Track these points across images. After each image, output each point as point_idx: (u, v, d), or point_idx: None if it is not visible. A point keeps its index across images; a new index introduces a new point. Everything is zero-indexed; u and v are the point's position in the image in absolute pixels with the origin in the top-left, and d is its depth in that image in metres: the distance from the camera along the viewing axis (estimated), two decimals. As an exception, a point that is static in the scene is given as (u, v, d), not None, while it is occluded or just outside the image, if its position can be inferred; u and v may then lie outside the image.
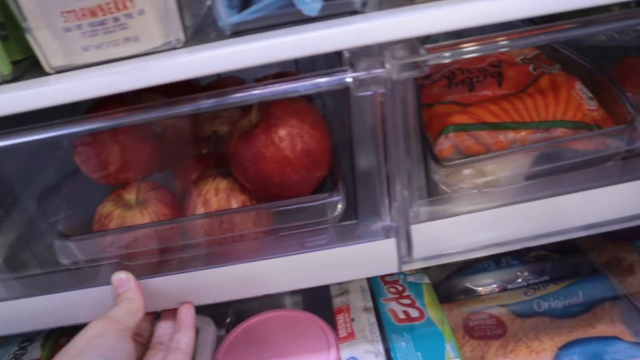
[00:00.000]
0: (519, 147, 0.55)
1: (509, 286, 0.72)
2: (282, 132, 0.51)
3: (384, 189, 0.51)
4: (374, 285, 0.69)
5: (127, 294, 0.51)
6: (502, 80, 0.59)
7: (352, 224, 0.55)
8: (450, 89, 0.59)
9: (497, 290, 0.72)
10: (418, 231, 0.54)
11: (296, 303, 0.77)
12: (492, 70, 0.60)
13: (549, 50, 0.67)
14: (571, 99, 0.57)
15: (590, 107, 0.57)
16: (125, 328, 0.48)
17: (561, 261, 0.74)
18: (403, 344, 0.61)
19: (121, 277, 0.52)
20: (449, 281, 0.74)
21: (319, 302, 0.71)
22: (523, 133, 0.55)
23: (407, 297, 0.66)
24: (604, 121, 0.58)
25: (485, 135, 0.54)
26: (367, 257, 0.54)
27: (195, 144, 0.68)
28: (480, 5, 0.43)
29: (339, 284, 0.69)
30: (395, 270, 0.55)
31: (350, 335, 0.61)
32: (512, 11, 0.44)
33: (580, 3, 0.44)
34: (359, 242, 0.53)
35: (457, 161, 0.54)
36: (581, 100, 0.57)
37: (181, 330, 0.53)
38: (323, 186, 0.57)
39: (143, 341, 0.55)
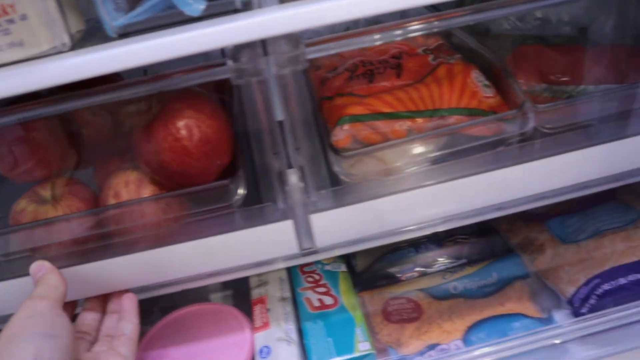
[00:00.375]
0: (416, 135, 0.57)
1: (428, 270, 0.74)
2: (180, 123, 0.53)
3: (274, 178, 0.53)
4: (293, 276, 0.71)
5: (44, 276, 0.51)
6: (401, 71, 0.60)
7: (254, 208, 0.56)
8: (351, 81, 0.61)
9: (416, 275, 0.74)
10: (319, 220, 0.55)
11: (226, 297, 0.78)
12: (393, 62, 0.62)
13: (453, 40, 0.69)
14: (466, 87, 0.59)
15: (486, 94, 0.60)
16: (54, 302, 0.48)
17: (478, 244, 0.77)
18: (315, 330, 0.62)
19: (36, 265, 0.52)
20: (372, 268, 0.76)
21: (244, 294, 0.72)
22: (419, 121, 0.57)
23: (323, 285, 0.68)
24: (500, 108, 0.60)
25: (382, 125, 0.56)
26: (268, 239, 0.56)
27: (114, 139, 0.69)
28: None
29: (259, 275, 0.70)
30: (295, 251, 0.57)
31: (265, 325, 0.63)
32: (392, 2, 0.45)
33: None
34: (258, 225, 0.55)
35: (353, 151, 0.56)
36: (476, 89, 0.59)
37: (124, 318, 0.55)
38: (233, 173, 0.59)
39: (89, 339, 0.55)
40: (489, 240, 0.77)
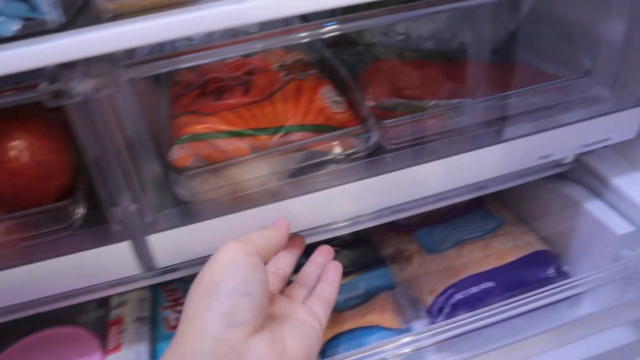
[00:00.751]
0: (261, 152, 0.57)
1: (299, 283, 0.74)
2: (7, 145, 0.51)
3: (110, 199, 0.52)
4: (156, 295, 0.69)
5: (271, 230, 0.50)
6: (250, 88, 0.60)
7: (92, 230, 0.55)
8: (200, 99, 0.60)
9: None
10: (158, 240, 0.54)
11: (99, 317, 0.76)
12: (244, 78, 0.62)
13: (316, 54, 0.70)
14: (313, 104, 0.59)
15: (335, 110, 0.60)
16: (258, 252, 0.45)
17: (350, 255, 0.77)
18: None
19: (282, 219, 0.53)
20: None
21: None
22: (262, 138, 0.57)
23: (183, 303, 0.67)
24: (350, 123, 0.61)
25: (223, 143, 0.56)
26: (107, 260, 0.54)
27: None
28: (181, 17, 0.44)
29: (119, 295, 0.69)
30: (137, 272, 0.56)
31: (117, 348, 0.62)
32: (211, 22, 0.45)
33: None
34: (97, 247, 0.53)
35: (194, 170, 0.55)
36: (324, 105, 0.60)
37: (328, 280, 0.55)
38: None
39: (284, 275, 0.54)
40: (361, 252, 0.78)
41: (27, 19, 0.43)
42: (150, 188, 0.58)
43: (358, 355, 0.58)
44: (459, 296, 0.66)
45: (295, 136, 0.58)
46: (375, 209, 0.63)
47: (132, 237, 0.54)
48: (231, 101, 0.59)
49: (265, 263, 0.47)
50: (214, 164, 0.56)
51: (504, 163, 0.63)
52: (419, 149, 0.60)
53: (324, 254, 0.60)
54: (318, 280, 0.57)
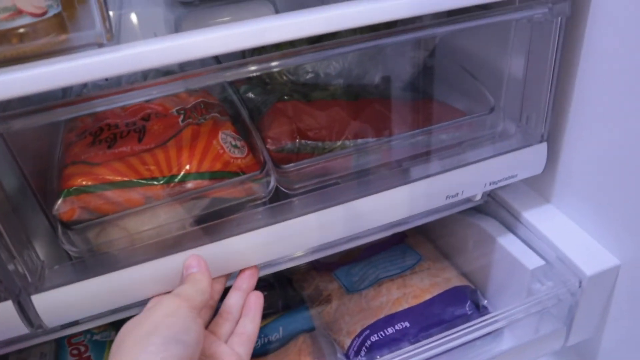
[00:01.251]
0: (155, 201, 0.55)
1: (215, 329, 0.72)
2: None
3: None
4: (60, 349, 0.66)
5: (195, 275, 0.52)
6: (144, 135, 0.58)
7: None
8: (92, 147, 0.58)
9: (203, 334, 0.72)
10: (43, 300, 0.52)
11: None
12: (140, 124, 0.60)
13: (221, 93, 0.69)
14: (209, 150, 0.58)
15: (234, 155, 0.59)
16: (194, 306, 0.48)
17: (269, 297, 0.75)
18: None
19: (194, 259, 0.53)
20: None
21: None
22: (156, 189, 0.55)
23: (87, 358, 0.64)
24: (251, 168, 0.59)
25: (113, 195, 0.54)
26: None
27: None
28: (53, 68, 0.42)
29: (19, 352, 0.65)
30: (26, 331, 0.53)
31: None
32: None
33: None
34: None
35: (82, 224, 0.53)
36: (222, 150, 0.58)
37: (249, 315, 0.56)
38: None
39: (212, 304, 0.56)
40: (280, 293, 0.76)
41: None
42: (40, 243, 0.55)
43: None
44: (374, 338, 0.65)
45: (191, 184, 0.56)
46: (282, 255, 0.62)
47: (13, 297, 0.51)
48: (124, 149, 0.57)
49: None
50: (103, 216, 0.54)
51: (411, 204, 0.62)
52: (322, 193, 0.59)
53: (247, 278, 0.58)
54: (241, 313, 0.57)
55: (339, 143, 0.64)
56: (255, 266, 0.59)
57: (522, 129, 0.66)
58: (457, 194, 0.64)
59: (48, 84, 0.42)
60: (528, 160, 0.66)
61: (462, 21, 0.56)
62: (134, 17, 0.58)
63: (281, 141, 0.61)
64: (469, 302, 0.68)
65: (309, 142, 0.63)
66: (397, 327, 0.65)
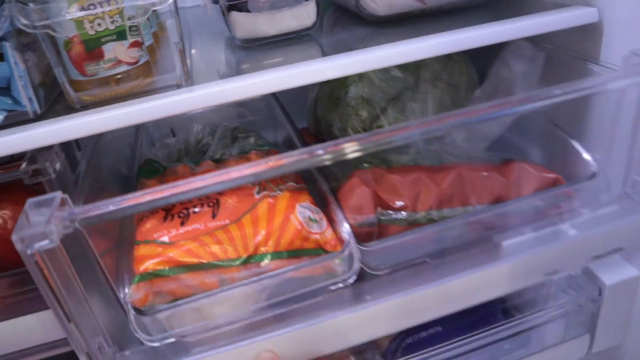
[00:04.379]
0: (230, 285, 0.52)
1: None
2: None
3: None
4: None
5: None
6: (218, 210, 0.55)
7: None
8: (165, 223, 0.55)
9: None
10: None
11: None
12: (213, 197, 0.57)
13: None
14: (287, 227, 0.54)
15: (313, 230, 0.55)
16: None
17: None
18: None
19: (266, 356, 0.52)
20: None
21: None
22: (232, 270, 0.51)
23: None
24: (330, 243, 0.55)
25: (187, 278, 0.50)
26: None
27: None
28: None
29: None
30: None
31: None
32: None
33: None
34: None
35: (156, 308, 0.50)
36: (300, 226, 0.54)
37: None
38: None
39: None
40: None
41: (10, 111, 0.50)
42: (112, 327, 0.53)
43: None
44: (409, 340, 0.67)
45: (269, 265, 0.52)
46: (367, 340, 0.57)
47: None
48: (197, 227, 0.54)
49: None
50: (177, 300, 0.51)
51: (507, 282, 0.56)
52: (408, 273, 0.54)
53: None
54: None
55: (423, 213, 0.59)
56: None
57: (629, 194, 0.60)
58: (556, 271, 0.58)
59: (141, 118, 0.51)
60: (635, 231, 0.59)
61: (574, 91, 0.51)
62: (200, 57, 0.65)
63: (362, 214, 0.57)
64: (499, 310, 0.68)
65: (391, 212, 0.58)
66: (430, 331, 0.67)
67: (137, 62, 0.52)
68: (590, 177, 0.59)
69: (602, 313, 0.64)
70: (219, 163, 0.67)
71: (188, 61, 0.57)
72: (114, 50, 0.50)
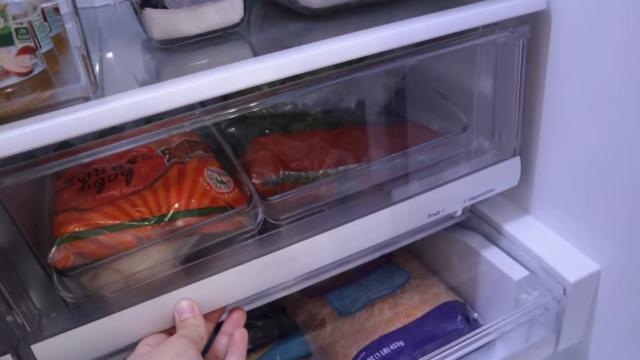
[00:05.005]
0: (147, 242, 0.57)
1: (213, 363, 0.73)
2: None
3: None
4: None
5: (191, 320, 0.55)
6: (132, 178, 0.60)
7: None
8: (81, 193, 0.59)
9: (201, 370, 0.72)
10: (43, 349, 0.52)
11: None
12: (126, 167, 0.61)
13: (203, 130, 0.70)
14: (196, 188, 0.59)
15: (221, 190, 0.61)
16: (198, 349, 0.51)
17: (263, 327, 0.77)
18: None
19: (187, 304, 0.56)
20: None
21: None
22: (147, 229, 0.56)
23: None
24: (238, 202, 0.61)
25: (106, 239, 0.55)
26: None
27: None
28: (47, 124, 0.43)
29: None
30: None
31: None
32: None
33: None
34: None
35: (77, 270, 0.54)
36: (209, 187, 0.60)
37: (235, 353, 0.56)
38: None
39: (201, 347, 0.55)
40: (275, 321, 0.77)
41: None
42: (35, 291, 0.56)
43: None
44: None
45: (181, 222, 0.57)
46: (275, 284, 0.63)
47: (12, 350, 0.52)
48: (113, 193, 0.58)
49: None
50: (98, 260, 0.55)
51: (395, 225, 0.64)
52: (309, 221, 0.61)
53: (234, 322, 0.59)
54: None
55: (321, 172, 0.66)
56: (241, 309, 0.60)
57: (495, 144, 0.69)
58: (438, 212, 0.66)
59: (37, 142, 0.43)
60: (503, 174, 0.69)
61: (430, 50, 0.59)
62: (113, 63, 0.58)
63: (265, 175, 0.63)
64: (459, 317, 0.70)
65: (292, 173, 0.65)
66: (392, 347, 0.67)
67: (30, 71, 0.43)
68: (463, 130, 0.68)
69: (567, 311, 0.65)
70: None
71: (97, 67, 0.53)
72: (-3, 58, 0.41)
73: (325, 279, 0.73)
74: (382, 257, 0.83)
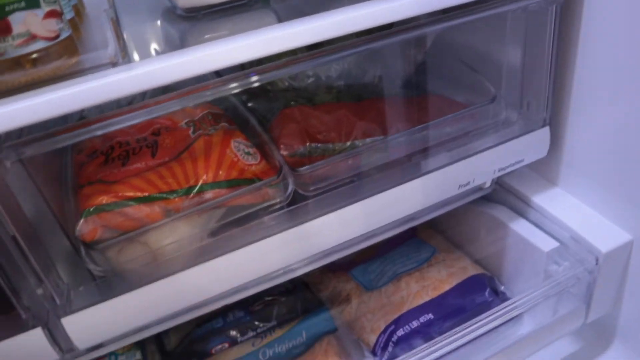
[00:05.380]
0: (175, 215, 0.55)
1: (239, 339, 0.72)
2: None
3: (7, 287, 0.49)
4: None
5: None
6: (157, 150, 0.59)
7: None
8: (105, 166, 0.58)
9: (227, 346, 0.72)
10: (73, 322, 0.52)
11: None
12: (151, 139, 0.60)
13: (225, 104, 0.69)
14: (224, 159, 0.58)
15: (248, 162, 0.59)
16: None
17: (287, 303, 0.76)
18: None
19: None
20: (181, 346, 0.73)
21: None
22: (175, 201, 0.55)
23: (114, 380, 0.64)
24: (266, 173, 0.60)
25: (133, 211, 0.54)
26: (20, 350, 0.51)
27: None
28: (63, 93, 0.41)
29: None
30: (56, 357, 0.52)
31: None
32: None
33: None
34: (5, 338, 0.50)
35: (104, 243, 0.53)
36: (236, 158, 0.58)
37: None
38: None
39: None
40: (299, 297, 0.77)
41: None
42: (62, 266, 0.55)
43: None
44: (400, 333, 0.66)
45: (209, 194, 0.56)
46: (302, 257, 0.62)
47: (43, 323, 0.51)
48: (138, 165, 0.57)
49: None
50: (125, 233, 0.54)
51: (425, 196, 0.63)
52: (338, 193, 0.60)
53: None
54: None
55: (348, 144, 0.64)
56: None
57: (524, 115, 0.68)
58: (468, 183, 0.65)
59: (66, 108, 0.42)
60: (532, 144, 0.68)
61: (457, 17, 0.57)
62: (135, 32, 0.56)
63: (293, 146, 0.62)
64: (488, 289, 0.69)
65: (319, 145, 0.63)
66: (421, 320, 0.66)
67: (57, 36, 0.42)
68: (491, 100, 0.67)
69: (598, 282, 0.65)
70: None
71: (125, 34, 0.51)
72: (24, 21, 0.39)
73: (349, 255, 0.72)
74: (406, 232, 0.82)
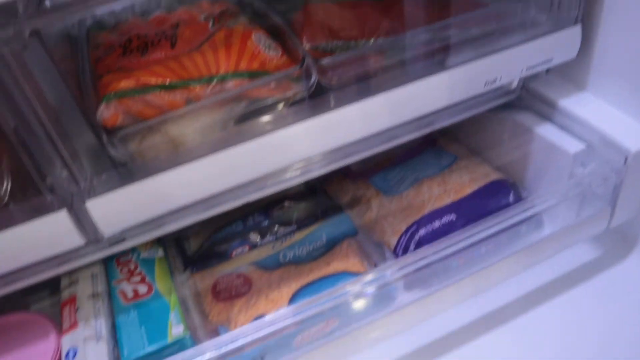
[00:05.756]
0: (196, 103, 0.55)
1: (259, 243, 0.73)
2: None
3: (32, 168, 0.49)
4: (109, 269, 0.67)
5: None
6: (176, 41, 0.57)
7: (22, 202, 0.51)
8: (124, 57, 0.57)
9: (247, 249, 0.72)
10: (98, 206, 0.52)
11: (53, 304, 0.73)
12: (169, 32, 0.59)
13: (245, 2, 0.67)
14: (245, 50, 0.57)
15: (270, 55, 0.58)
16: None
17: (306, 207, 0.76)
18: (129, 322, 0.59)
19: None
20: (202, 249, 0.74)
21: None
22: (196, 90, 0.54)
23: (139, 274, 0.65)
24: (287, 66, 0.58)
25: (154, 98, 0.53)
26: (44, 233, 0.51)
27: None
28: None
29: (69, 274, 0.66)
30: (81, 243, 0.53)
31: (73, 325, 0.59)
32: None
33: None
34: (30, 220, 0.50)
35: (125, 129, 0.52)
36: (257, 50, 0.57)
37: None
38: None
39: None
40: (317, 202, 0.76)
41: None
42: (84, 153, 0.55)
43: (323, 299, 0.56)
44: (422, 232, 0.65)
45: (231, 84, 0.55)
46: (324, 150, 0.61)
47: (67, 205, 0.51)
48: (158, 55, 0.56)
49: None
50: (146, 121, 0.53)
51: (451, 91, 0.62)
52: (361, 85, 0.59)
53: None
54: None
55: (371, 41, 0.62)
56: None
57: (554, 14, 0.65)
58: (495, 80, 0.63)
59: None
60: (562, 43, 0.65)
61: None
62: None
63: (316, 39, 0.60)
64: (512, 193, 0.69)
65: (342, 41, 0.61)
66: (443, 221, 0.66)
67: None
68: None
69: (625, 183, 0.63)
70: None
71: None
72: None
73: (367, 162, 0.71)
74: (426, 141, 0.81)
